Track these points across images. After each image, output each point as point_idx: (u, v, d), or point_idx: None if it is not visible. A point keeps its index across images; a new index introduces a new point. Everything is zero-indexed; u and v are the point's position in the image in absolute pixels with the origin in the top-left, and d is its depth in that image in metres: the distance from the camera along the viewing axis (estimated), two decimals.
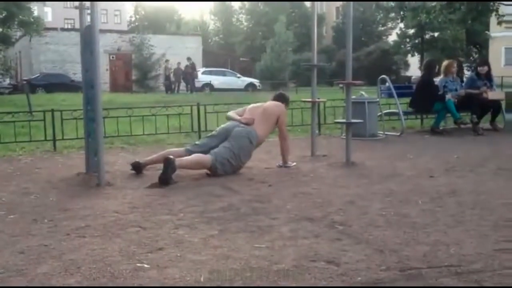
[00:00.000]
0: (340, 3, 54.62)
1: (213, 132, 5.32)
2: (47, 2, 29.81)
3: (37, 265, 2.56)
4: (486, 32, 37.25)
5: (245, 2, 56.66)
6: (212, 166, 4.81)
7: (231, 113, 5.49)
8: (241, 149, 4.98)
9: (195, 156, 4.87)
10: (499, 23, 20.50)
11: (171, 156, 4.62)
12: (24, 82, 25.64)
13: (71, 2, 53.03)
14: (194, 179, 4.73)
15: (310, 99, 6.29)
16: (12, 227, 3.26)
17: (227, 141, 4.99)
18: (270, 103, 5.53)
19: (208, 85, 30.97)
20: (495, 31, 34.49)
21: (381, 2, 48.82)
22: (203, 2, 69.89)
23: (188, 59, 29.57)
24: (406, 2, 37.16)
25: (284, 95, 5.81)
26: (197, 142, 5.35)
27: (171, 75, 29.12)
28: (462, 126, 8.37)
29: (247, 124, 5.17)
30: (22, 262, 2.62)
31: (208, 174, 4.87)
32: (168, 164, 4.49)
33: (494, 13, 19.92)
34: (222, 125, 5.32)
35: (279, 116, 5.35)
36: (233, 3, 59.13)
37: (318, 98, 6.66)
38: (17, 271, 2.49)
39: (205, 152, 4.92)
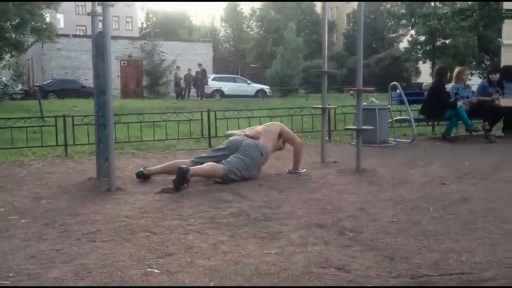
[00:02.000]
0: (351, 9, 54.62)
1: (220, 146, 5.30)
2: (59, 9, 29.98)
3: (48, 270, 2.57)
4: (498, 39, 37.04)
5: (256, 9, 56.83)
6: (224, 175, 4.78)
7: (231, 131, 5.50)
8: (252, 161, 4.95)
9: (208, 165, 4.82)
10: None
11: (185, 166, 4.57)
12: (36, 88, 25.85)
13: (84, 9, 53.52)
14: (204, 185, 4.73)
15: (320, 106, 6.28)
16: (23, 232, 3.28)
17: (237, 153, 4.95)
18: (268, 123, 5.56)
19: (218, 92, 31.07)
20: (507, 38, 34.23)
21: (392, 9, 48.75)
22: (215, 1, 68.91)
23: (199, 65, 29.74)
24: (417, 9, 37.11)
25: None
26: (203, 155, 5.33)
27: (182, 81, 29.25)
28: (474, 133, 8.32)
29: (253, 138, 5.14)
30: (33, 266, 2.63)
31: (218, 182, 4.85)
32: (181, 174, 4.45)
33: (506, 20, 19.81)
34: (230, 138, 5.27)
35: (280, 132, 5.33)
36: (244, 9, 59.32)
37: (329, 105, 6.64)
38: (28, 275, 2.51)
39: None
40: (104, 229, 3.30)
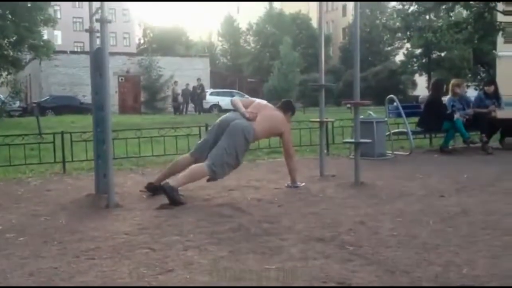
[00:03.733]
0: (347, 23, 54.92)
1: (214, 124, 5.16)
2: (56, 26, 30.03)
3: None
4: (493, 51, 37.25)
5: (253, 24, 57.11)
6: (210, 173, 4.71)
7: (237, 101, 5.22)
8: (236, 147, 4.84)
9: (189, 170, 4.74)
10: (506, 42, 20.49)
11: (167, 181, 4.60)
12: (34, 104, 25.88)
13: (81, 26, 53.73)
14: (203, 200, 4.72)
15: (318, 119, 6.29)
16: (22, 250, 3.26)
17: (222, 139, 4.84)
18: (280, 115, 5.33)
19: (216, 106, 31.09)
20: (503, 50, 34.36)
21: (387, 23, 48.89)
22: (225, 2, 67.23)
23: (198, 79, 29.90)
24: (412, 23, 37.28)
25: (291, 103, 5.73)
26: (199, 142, 5.28)
27: (179, 96, 29.32)
28: (472, 145, 8.33)
29: (248, 119, 4.98)
30: (33, 284, 2.61)
31: (209, 180, 4.79)
32: (166, 191, 4.47)
33: (500, 32, 19.95)
34: (222, 116, 5.21)
35: (283, 133, 5.29)
36: (240, 24, 59.55)
37: (326, 118, 6.66)
38: None
39: (206, 153, 4.84)
40: (103, 246, 3.29)
